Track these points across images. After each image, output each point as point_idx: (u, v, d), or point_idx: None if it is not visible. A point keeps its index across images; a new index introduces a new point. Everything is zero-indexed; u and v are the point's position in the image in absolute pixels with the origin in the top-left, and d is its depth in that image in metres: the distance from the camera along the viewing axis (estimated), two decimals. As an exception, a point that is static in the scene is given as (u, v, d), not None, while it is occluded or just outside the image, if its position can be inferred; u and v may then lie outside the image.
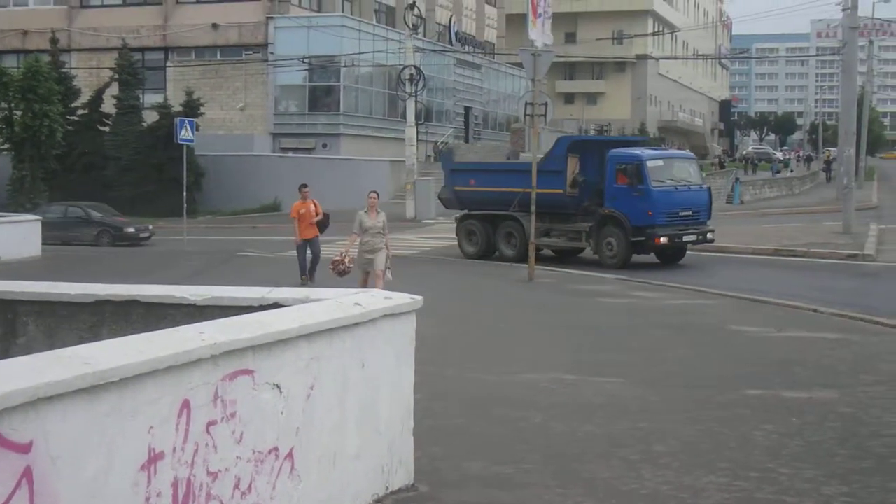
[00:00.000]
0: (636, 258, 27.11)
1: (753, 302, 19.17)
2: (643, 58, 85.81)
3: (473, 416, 9.87)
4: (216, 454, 5.31)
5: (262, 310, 6.66)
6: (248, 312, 6.46)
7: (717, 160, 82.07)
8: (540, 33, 27.04)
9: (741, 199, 56.16)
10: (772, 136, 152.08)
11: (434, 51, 59.91)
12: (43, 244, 30.02)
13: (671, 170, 27.38)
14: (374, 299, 7.16)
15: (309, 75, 53.68)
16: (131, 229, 36.72)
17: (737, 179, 59.90)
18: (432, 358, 12.08)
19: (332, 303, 6.80)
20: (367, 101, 56.55)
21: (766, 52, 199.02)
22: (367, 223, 17.72)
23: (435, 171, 52.71)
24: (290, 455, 5.95)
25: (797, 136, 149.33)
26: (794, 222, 41.55)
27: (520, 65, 28.89)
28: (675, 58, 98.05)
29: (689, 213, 26.86)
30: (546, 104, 26.46)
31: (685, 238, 26.89)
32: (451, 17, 68.20)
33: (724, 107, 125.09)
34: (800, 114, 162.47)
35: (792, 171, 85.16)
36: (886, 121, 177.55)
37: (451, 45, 66.21)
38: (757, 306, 18.67)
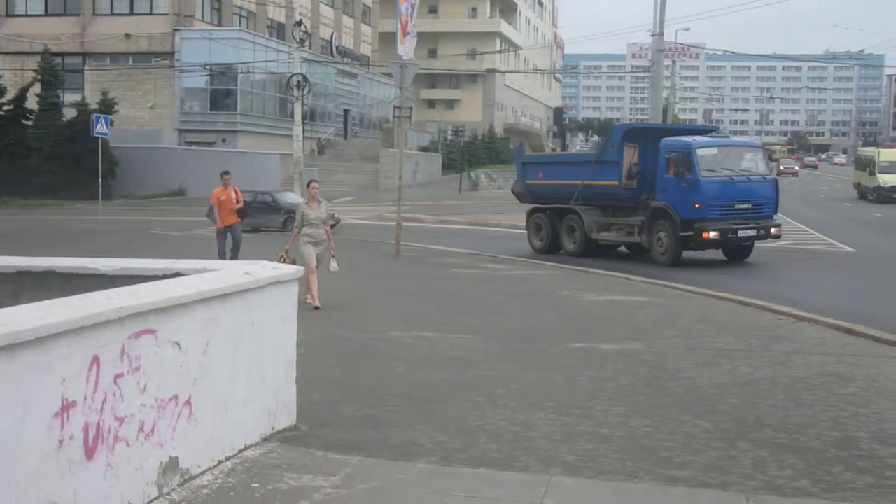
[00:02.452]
0: (702, 255, 22.30)
1: (579, 272, 19.51)
2: (492, 71, 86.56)
3: (348, 368, 9.80)
4: (123, 402, 5.16)
5: (165, 278, 6.48)
6: (153, 281, 6.30)
7: None
8: (407, 49, 26.99)
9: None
10: (596, 138, 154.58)
11: (318, 61, 59.32)
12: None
13: (727, 159, 21.99)
14: (263, 269, 7.04)
15: (210, 80, 52.54)
16: None
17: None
18: (314, 319, 11.99)
19: (225, 272, 6.66)
20: (261, 103, 55.68)
21: (591, 69, 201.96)
22: (310, 215, 14.47)
23: (318, 163, 52.40)
24: (188, 402, 5.82)
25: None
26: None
27: (390, 75, 28.54)
28: (518, 71, 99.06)
29: (748, 205, 21.46)
30: (411, 108, 26.26)
31: (741, 233, 21.39)
32: (333, 33, 67.48)
33: (558, 113, 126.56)
34: (618, 119, 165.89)
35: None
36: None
37: (333, 56, 65.57)
38: (582, 275, 19.00)
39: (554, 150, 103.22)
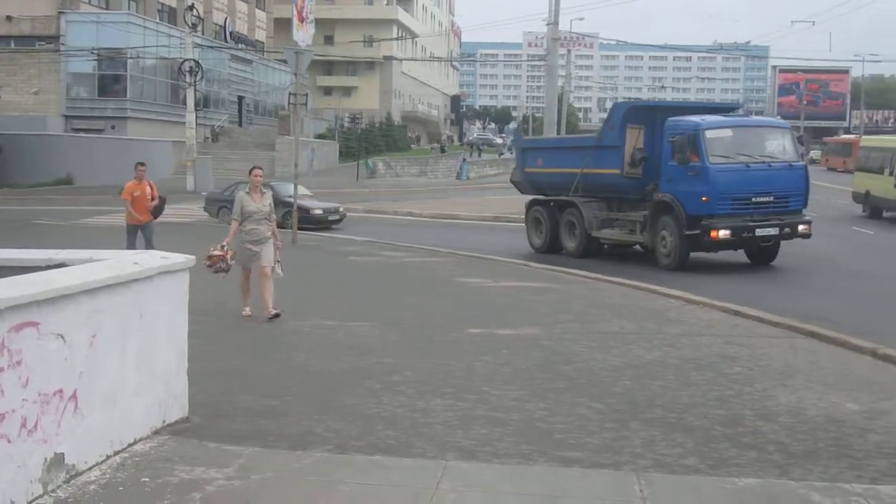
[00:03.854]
0: (718, 257, 19.16)
1: (477, 259, 19.60)
2: (389, 59, 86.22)
3: (244, 358, 9.68)
4: (3, 398, 4.98)
5: (49, 269, 6.28)
6: (36, 272, 6.09)
7: (436, 145, 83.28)
8: (303, 35, 26.76)
9: (468, 176, 57.32)
10: (493, 126, 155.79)
11: (211, 47, 58.09)
12: None
13: (745, 142, 18.26)
14: (152, 259, 6.90)
15: (98, 65, 50.94)
16: None
17: (464, 160, 61.14)
18: (211, 310, 11.78)
19: (112, 262, 6.48)
20: (152, 89, 54.31)
21: (488, 57, 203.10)
22: (250, 207, 11.96)
23: (212, 151, 51.47)
24: (73, 396, 5.65)
25: (512, 125, 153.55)
26: (511, 195, 42.65)
27: (285, 61, 28.14)
28: (415, 59, 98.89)
29: (769, 198, 17.93)
30: (307, 95, 26.02)
31: (759, 232, 17.77)
32: (226, 18, 66.15)
33: (455, 101, 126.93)
34: (514, 107, 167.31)
35: (512, 152, 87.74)
36: (581, 114, 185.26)
37: (226, 42, 64.36)
38: (480, 262, 19.09)
39: (450, 138, 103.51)
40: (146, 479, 5.78)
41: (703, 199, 17.56)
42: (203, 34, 56.01)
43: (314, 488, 5.78)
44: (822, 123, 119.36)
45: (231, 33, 66.18)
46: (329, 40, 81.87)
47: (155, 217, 16.91)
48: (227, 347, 10.09)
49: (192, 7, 42.30)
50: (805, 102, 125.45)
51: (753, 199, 17.81)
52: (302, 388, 8.36)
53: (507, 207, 34.20)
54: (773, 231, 17.92)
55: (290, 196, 27.67)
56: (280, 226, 26.13)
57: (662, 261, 18.28)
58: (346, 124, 68.28)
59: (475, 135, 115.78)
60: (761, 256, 18.91)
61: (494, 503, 5.57)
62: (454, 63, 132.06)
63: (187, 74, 42.11)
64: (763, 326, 11.83)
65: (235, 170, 52.41)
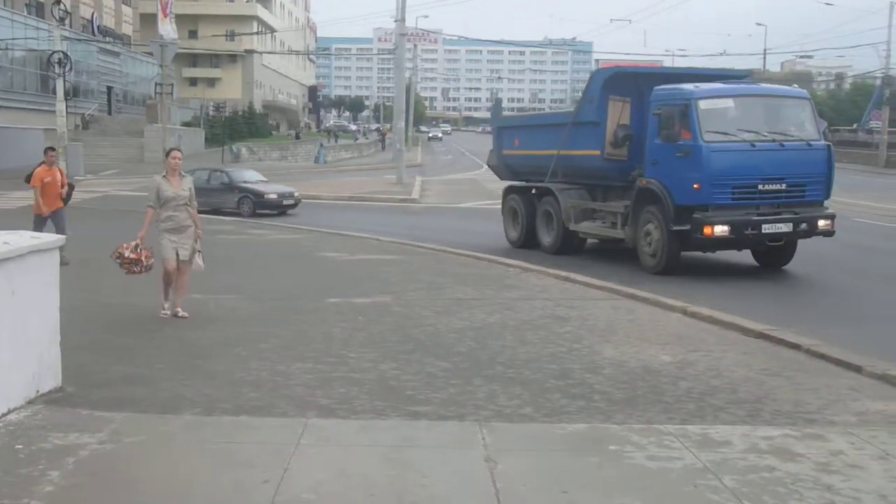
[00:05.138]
0: (727, 257, 15.32)
1: (334, 234, 19.43)
2: (250, 52, 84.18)
3: (117, 331, 9.27)
4: None
5: (-85, 250, 5.84)
6: None
7: (291, 132, 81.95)
8: (168, 29, 25.85)
9: (325, 160, 56.70)
10: (347, 114, 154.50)
11: (79, 40, 55.34)
12: None
13: (750, 115, 13.83)
14: (22, 238, 6.52)
15: (-35, 55, 47.88)
16: None
17: (321, 145, 60.40)
18: (85, 286, 11.24)
19: (-19, 242, 6.09)
20: (22, 80, 51.30)
21: (342, 51, 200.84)
22: (167, 192, 9.88)
23: (83, 138, 49.12)
24: (-56, 370, 5.29)
25: (365, 113, 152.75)
26: (363, 176, 42.59)
27: (152, 53, 27.01)
28: (274, 52, 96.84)
29: (780, 185, 13.54)
30: (173, 85, 25.28)
31: (766, 228, 13.44)
32: (94, 13, 63.10)
33: (312, 91, 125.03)
34: (367, 97, 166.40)
35: (367, 138, 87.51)
36: (427, 103, 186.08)
37: (94, 35, 61.43)
38: (337, 237, 18.93)
39: (308, 125, 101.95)
40: (20, 447, 5.48)
41: (695, 186, 13.29)
42: (71, 28, 53.22)
43: (184, 448, 5.61)
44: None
45: (98, 27, 63.18)
46: (193, 34, 79.30)
47: (65, 203, 14.82)
48: (98, 320, 9.65)
49: (59, 1, 40.01)
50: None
51: (760, 187, 13.45)
52: (172, 357, 8.09)
53: (361, 188, 34.10)
54: (785, 227, 13.56)
55: (245, 181, 26.78)
56: (236, 212, 25.09)
57: (647, 261, 14.13)
58: (210, 113, 66.39)
59: (332, 122, 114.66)
60: (771, 258, 14.71)
61: (350, 454, 5.53)
62: (311, 56, 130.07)
63: (56, 66, 39.90)
64: (590, 290, 12.16)
65: (105, 155, 50.37)
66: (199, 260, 10.25)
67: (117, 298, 11.28)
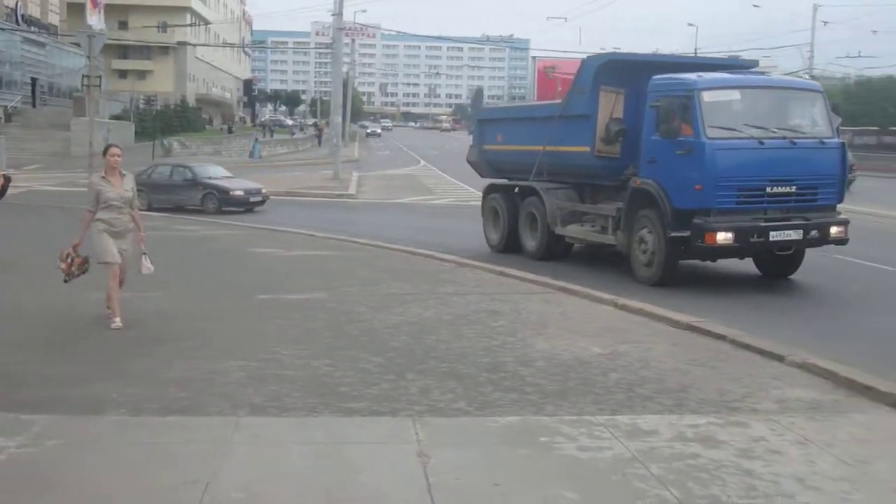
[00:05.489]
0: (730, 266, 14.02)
1: (269, 230, 19.28)
2: (183, 44, 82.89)
3: (43, 331, 9.04)
4: None
5: None
6: None
7: (225, 126, 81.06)
8: (96, 19, 25.34)
9: (260, 155, 56.13)
10: (283, 108, 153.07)
11: (2, 29, 53.94)
12: None
13: (758, 109, 12.54)
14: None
15: None
16: None
17: (256, 140, 59.79)
18: (8, 286, 10.97)
19: None
20: (-61, 70, 49.94)
21: (278, 44, 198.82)
22: (108, 193, 9.18)
23: (6, 131, 47.76)
24: None
25: (302, 108, 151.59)
26: (300, 171, 42.32)
27: (79, 44, 26.38)
28: (208, 45, 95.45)
29: (790, 188, 12.31)
30: (100, 77, 24.69)
31: (774, 236, 12.24)
32: (17, 1, 61.47)
33: (248, 85, 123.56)
34: (304, 91, 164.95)
35: (304, 133, 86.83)
36: (365, 98, 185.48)
37: (18, 25, 59.84)
38: (271, 233, 18.77)
39: (243, 119, 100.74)
40: (-64, 452, 5.34)
41: (697, 187, 12.01)
42: (-8, 17, 51.87)
43: (109, 450, 5.52)
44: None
45: (23, 16, 61.58)
46: (123, 25, 77.84)
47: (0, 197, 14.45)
48: (24, 321, 9.44)
49: (-20, -10, 38.96)
50: (561, 89, 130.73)
51: (768, 190, 12.21)
52: (98, 358, 7.94)
53: (297, 183, 33.86)
54: (795, 235, 12.40)
55: (210, 177, 25.99)
56: (200, 209, 24.33)
57: (640, 272, 12.79)
58: (141, 106, 65.20)
59: (267, 117, 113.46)
60: (776, 268, 13.57)
61: (282, 452, 5.51)
62: (246, 49, 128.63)
63: (-24, 56, 38.88)
64: (524, 284, 12.27)
65: (30, 149, 49.11)
66: (147, 262, 9.61)
67: (41, 296, 11.03)
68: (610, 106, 13.88)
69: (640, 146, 13.17)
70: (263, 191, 25.96)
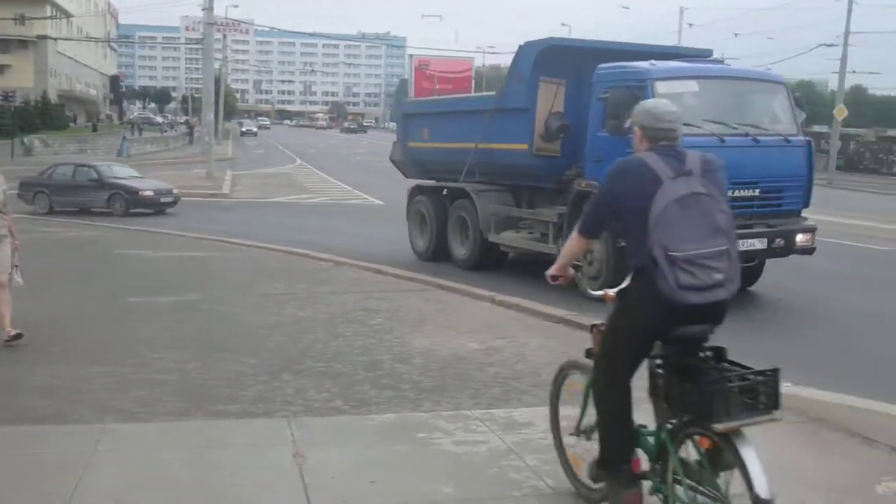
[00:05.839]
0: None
1: (138, 231, 18.75)
2: (43, 38, 79.45)
3: None
4: None
5: None
6: None
7: (90, 124, 78.28)
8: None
9: (129, 153, 54.41)
10: (153, 105, 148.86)
11: None
12: None
13: (716, 102, 11.37)
14: None
15: None
16: None
17: (124, 138, 57.97)
18: None
19: None
20: None
21: (146, 39, 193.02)
22: None
23: None
24: None
25: (172, 105, 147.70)
26: (171, 170, 41.07)
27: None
28: (71, 39, 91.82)
29: (753, 192, 11.18)
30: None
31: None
32: None
33: (114, 81, 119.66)
34: (174, 88, 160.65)
35: (175, 130, 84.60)
36: (238, 95, 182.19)
37: None
38: (140, 234, 18.26)
39: (110, 117, 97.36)
40: None
41: None
42: None
43: (-35, 464, 5.25)
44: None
45: None
46: (-23, 17, 74.10)
47: None
48: None
49: None
50: (438, 87, 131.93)
51: (730, 194, 9.52)
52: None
53: (170, 182, 32.90)
54: (759, 244, 11.20)
55: (117, 177, 24.65)
56: (106, 211, 22.94)
57: (588, 286, 10.81)
58: (-1, 102, 62.15)
59: (136, 114, 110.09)
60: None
61: (152, 459, 5.36)
62: (112, 44, 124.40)
63: None
64: (401, 282, 12.30)
65: None
66: (17, 276, 8.56)
67: None
68: (550, 98, 12.57)
69: (584, 144, 11.90)
70: (175, 191, 25.10)
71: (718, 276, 3.77)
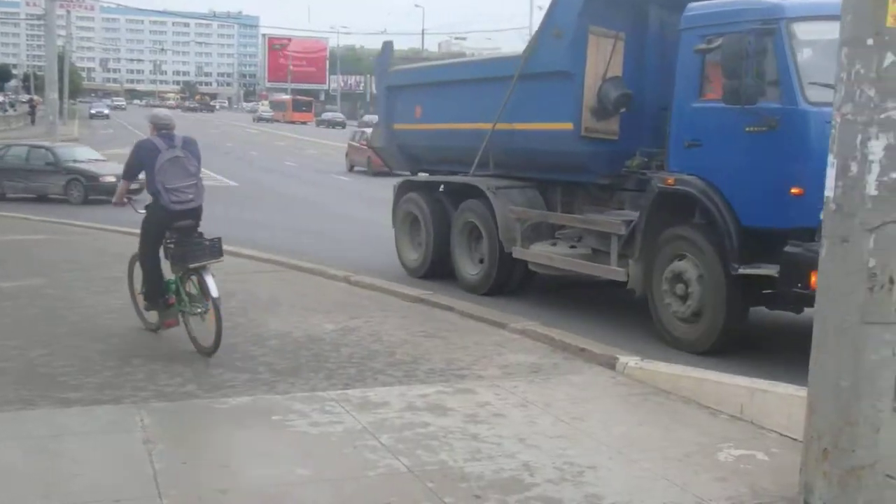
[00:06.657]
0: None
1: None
2: None
3: None
4: None
5: None
6: None
7: None
8: None
9: (-34, 133, 51.14)
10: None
11: None
12: None
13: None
14: None
15: None
16: None
17: (-39, 116, 54.38)
18: None
19: None
20: None
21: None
22: None
23: None
24: None
25: (13, 83, 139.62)
26: None
27: None
28: None
29: None
30: None
31: None
32: None
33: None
34: (15, 65, 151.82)
35: (16, 110, 79.85)
36: (84, 73, 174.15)
37: None
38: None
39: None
40: None
41: (794, 190, 6.88)
42: None
43: None
44: (306, 86, 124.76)
45: None
46: None
47: None
48: None
49: None
50: (292, 68, 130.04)
51: None
52: None
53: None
54: None
55: (76, 160, 21.93)
56: (63, 198, 20.35)
57: (676, 328, 7.93)
58: None
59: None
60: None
61: (-9, 451, 5.07)
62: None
63: None
64: (256, 263, 12.07)
65: None
66: None
67: None
68: (604, 58, 8.86)
69: (654, 121, 8.69)
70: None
71: (190, 195, 7.34)
